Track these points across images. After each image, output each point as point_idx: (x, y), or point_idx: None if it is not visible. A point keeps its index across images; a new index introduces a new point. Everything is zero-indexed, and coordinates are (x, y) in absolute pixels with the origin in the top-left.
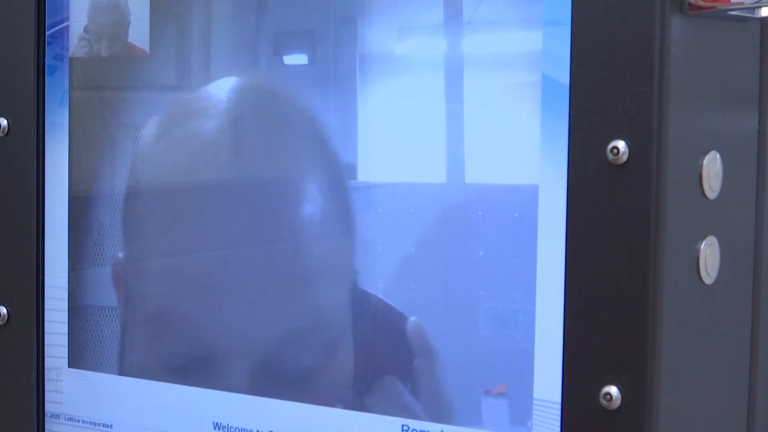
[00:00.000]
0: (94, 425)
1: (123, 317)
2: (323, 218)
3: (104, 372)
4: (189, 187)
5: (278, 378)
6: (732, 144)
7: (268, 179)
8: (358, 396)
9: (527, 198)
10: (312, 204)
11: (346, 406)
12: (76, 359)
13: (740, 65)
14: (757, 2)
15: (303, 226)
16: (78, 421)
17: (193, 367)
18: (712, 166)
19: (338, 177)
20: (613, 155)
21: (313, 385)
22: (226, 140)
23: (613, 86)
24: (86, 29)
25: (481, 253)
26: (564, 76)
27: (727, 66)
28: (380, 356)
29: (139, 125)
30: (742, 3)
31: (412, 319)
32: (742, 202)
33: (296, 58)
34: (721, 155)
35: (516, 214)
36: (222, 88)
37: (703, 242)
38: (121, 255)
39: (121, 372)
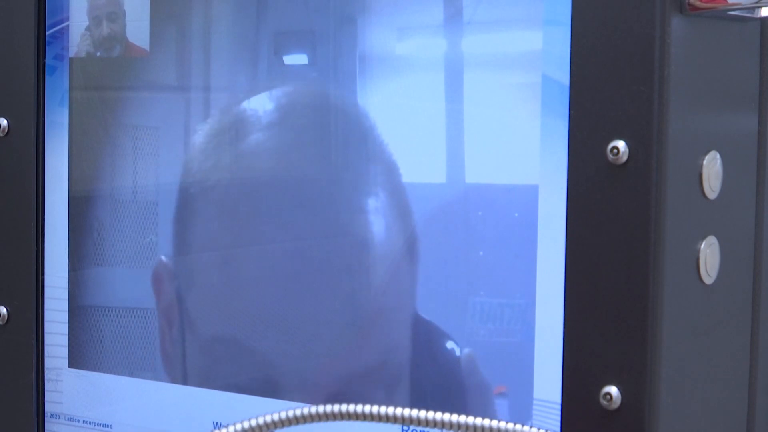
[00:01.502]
0: (94, 425)
1: (164, 323)
2: (389, 242)
3: (104, 372)
4: (251, 201)
5: None
6: (732, 144)
7: (330, 195)
8: None
9: (527, 198)
10: (381, 225)
11: None
12: (76, 359)
13: (740, 65)
14: (756, 2)
15: (372, 252)
16: (78, 421)
17: (253, 389)
18: (712, 166)
19: (392, 180)
20: (613, 155)
21: None
22: (290, 150)
23: (613, 86)
24: (87, 27)
25: (481, 253)
26: (564, 76)
27: (727, 66)
28: (437, 392)
29: (143, 125)
30: (740, 3)
31: (466, 351)
32: (742, 202)
33: (296, 58)
34: (721, 155)
35: (516, 214)
36: (281, 96)
37: (703, 242)
38: (165, 258)
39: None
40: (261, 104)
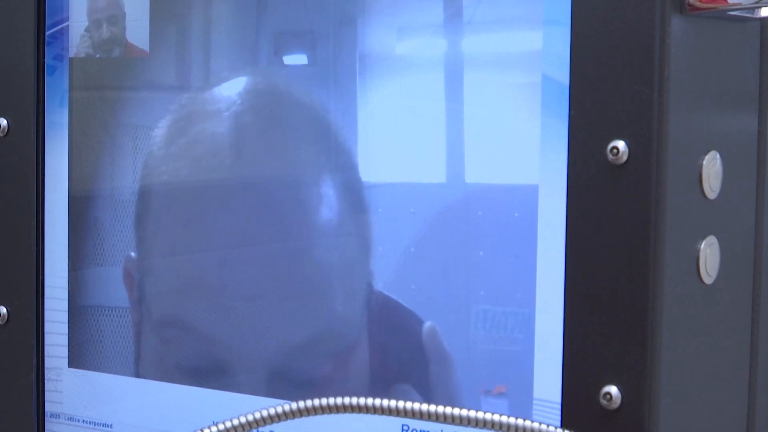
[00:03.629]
0: (94, 425)
1: (135, 317)
2: (335, 220)
3: (105, 372)
4: (202, 188)
5: (291, 383)
6: (732, 144)
7: (278, 180)
8: None
9: (527, 198)
10: (324, 206)
11: None
12: (76, 359)
13: (740, 65)
14: (756, 2)
15: (314, 229)
16: (78, 420)
17: (206, 372)
18: (712, 166)
19: (348, 177)
20: (613, 155)
21: (325, 391)
22: (239, 141)
23: (613, 86)
24: (87, 29)
25: (481, 253)
26: (564, 76)
27: (727, 66)
28: (395, 362)
29: (143, 125)
30: (740, 3)
31: (428, 324)
32: (742, 202)
33: (296, 58)
34: (720, 155)
35: (516, 214)
36: (234, 89)
37: (703, 242)
38: (133, 254)
39: (136, 373)
40: (210, 97)
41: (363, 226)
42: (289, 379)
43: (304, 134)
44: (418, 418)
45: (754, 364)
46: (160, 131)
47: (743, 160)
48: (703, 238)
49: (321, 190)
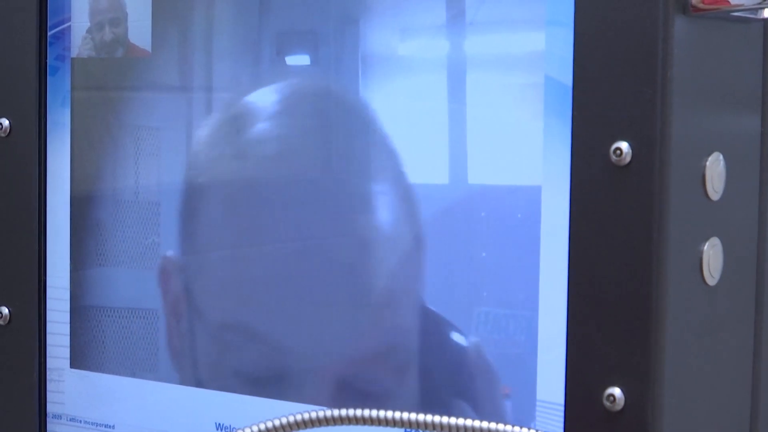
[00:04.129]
0: (96, 425)
1: (171, 320)
2: (393, 231)
3: (107, 372)
4: (263, 187)
5: (348, 396)
6: (735, 145)
7: (336, 181)
8: None
9: (530, 199)
10: (380, 209)
11: None
12: (78, 359)
13: (743, 66)
14: (760, 3)
15: (373, 232)
16: (80, 421)
17: (265, 379)
18: (715, 167)
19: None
20: (617, 156)
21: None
22: (299, 142)
23: (616, 87)
24: (88, 30)
25: (484, 254)
26: (567, 77)
27: (730, 67)
28: (443, 379)
29: (145, 125)
30: (742, 4)
31: (473, 340)
32: (745, 204)
33: (299, 59)
34: (724, 156)
35: (519, 215)
36: (286, 90)
37: (707, 243)
38: (170, 253)
39: (181, 380)
40: (264, 97)
41: (416, 228)
42: (346, 390)
43: (355, 136)
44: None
45: (757, 366)
46: (206, 130)
47: (746, 162)
48: (707, 239)
49: (375, 192)
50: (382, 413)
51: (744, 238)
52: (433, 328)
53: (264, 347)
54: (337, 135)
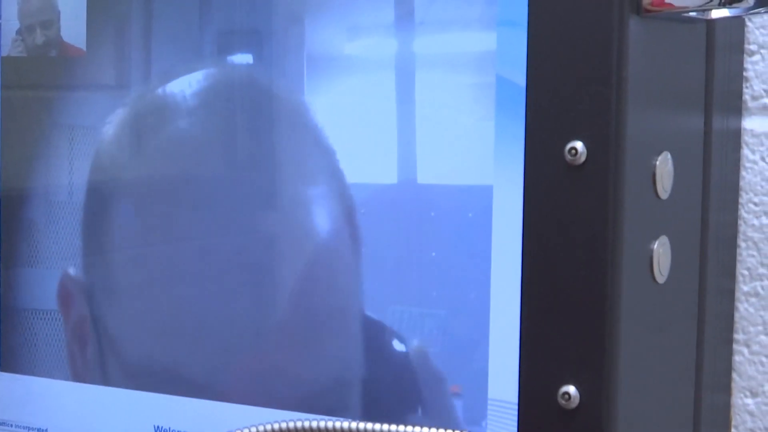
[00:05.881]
0: (29, 430)
1: (76, 339)
2: (327, 234)
3: (39, 375)
4: (169, 191)
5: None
6: (681, 144)
7: (246, 183)
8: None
9: (481, 198)
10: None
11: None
12: (9, 363)
13: (688, 66)
14: (706, 4)
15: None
16: (11, 426)
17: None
18: (664, 166)
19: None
20: (571, 156)
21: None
22: (207, 141)
23: (571, 87)
24: (18, 31)
25: (433, 254)
26: (519, 77)
27: (676, 66)
28: (389, 391)
29: (79, 125)
30: (687, 6)
31: (416, 345)
32: (690, 202)
33: (241, 58)
34: (672, 155)
35: (470, 215)
36: (200, 84)
37: (656, 242)
38: (71, 271)
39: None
40: (179, 90)
41: (353, 229)
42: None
43: (291, 132)
44: None
45: (700, 362)
46: (112, 128)
47: (691, 160)
48: (656, 237)
49: (305, 192)
50: (354, 425)
51: (689, 236)
52: (376, 341)
53: (194, 369)
54: (258, 132)
